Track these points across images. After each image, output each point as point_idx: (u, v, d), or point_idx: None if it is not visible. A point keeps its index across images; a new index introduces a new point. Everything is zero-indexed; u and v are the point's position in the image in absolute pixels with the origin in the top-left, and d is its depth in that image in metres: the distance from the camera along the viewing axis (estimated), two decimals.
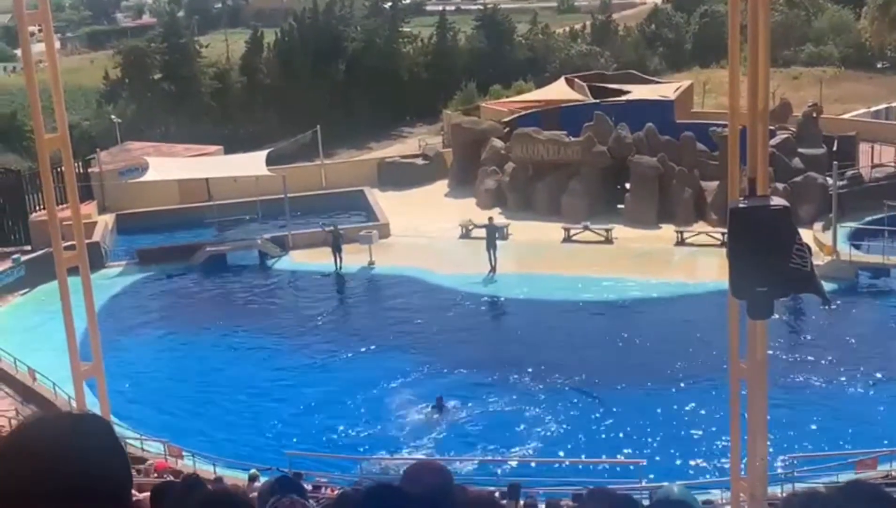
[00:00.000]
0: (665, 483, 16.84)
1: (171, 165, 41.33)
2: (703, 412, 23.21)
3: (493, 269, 34.10)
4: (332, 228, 36.18)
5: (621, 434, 23.07)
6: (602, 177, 39.13)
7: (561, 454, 22.19)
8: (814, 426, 22.60)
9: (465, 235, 37.30)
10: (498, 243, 34.69)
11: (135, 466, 18.17)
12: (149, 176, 39.29)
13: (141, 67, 69.52)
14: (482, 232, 36.04)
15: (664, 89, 50.04)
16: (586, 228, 36.66)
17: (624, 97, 46.76)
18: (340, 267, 35.68)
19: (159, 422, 24.36)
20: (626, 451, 22.16)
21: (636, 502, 4.41)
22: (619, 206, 38.74)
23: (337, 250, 35.46)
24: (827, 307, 27.74)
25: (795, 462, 19.00)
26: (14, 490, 2.01)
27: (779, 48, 66.24)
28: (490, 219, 35.38)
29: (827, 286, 22.59)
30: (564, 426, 23.69)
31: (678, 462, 21.73)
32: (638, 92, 48.15)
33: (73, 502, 2.02)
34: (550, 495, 17.40)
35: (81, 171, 40.33)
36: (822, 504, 2.14)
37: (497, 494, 16.34)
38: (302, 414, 25.36)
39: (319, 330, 31.14)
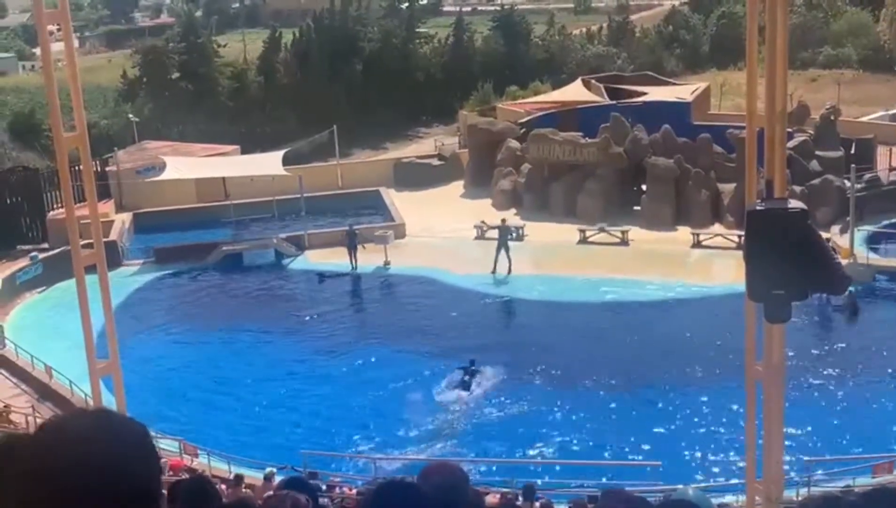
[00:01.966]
0: (680, 486, 16.82)
1: (188, 165, 41.47)
2: (719, 414, 23.14)
3: (495, 269, 34.09)
4: (347, 227, 36.27)
5: (636, 436, 23.01)
6: (618, 178, 39.06)
7: (575, 451, 22.18)
8: (830, 430, 22.49)
9: (481, 235, 37.27)
10: (513, 243, 34.68)
11: None
12: (166, 175, 39.44)
13: (158, 67, 69.71)
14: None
15: (681, 91, 49.95)
16: (602, 229, 36.61)
17: (640, 99, 46.68)
18: (356, 267, 35.71)
19: (175, 420, 24.44)
20: (644, 446, 22.12)
21: (651, 504, 4.40)
22: (635, 207, 38.67)
23: (353, 250, 35.51)
24: (851, 311, 27.81)
25: (812, 465, 18.91)
26: (47, 484, 2.01)
27: (797, 50, 65.97)
28: (503, 220, 35.36)
29: None
30: (580, 428, 23.66)
31: (694, 465, 21.68)
32: (655, 93, 48.07)
33: (104, 500, 2.02)
34: (566, 496, 17.39)
35: (99, 169, 40.54)
36: None
37: (511, 495, 16.36)
38: (317, 413, 25.42)
39: (335, 329, 31.19)
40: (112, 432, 2.12)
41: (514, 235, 35.90)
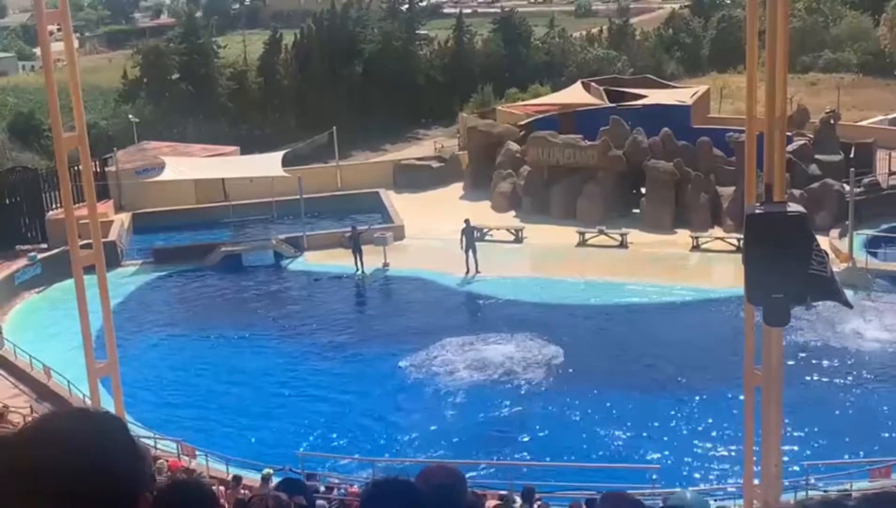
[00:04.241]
0: (678, 489, 16.81)
1: (187, 165, 41.46)
2: (717, 417, 23.12)
3: (476, 270, 34.21)
4: (351, 228, 36.15)
5: (634, 439, 22.99)
6: (618, 181, 39.06)
7: (573, 454, 22.17)
8: (828, 434, 22.48)
9: (480, 237, 37.20)
10: (512, 246, 34.64)
11: None
12: (165, 176, 39.44)
13: (159, 67, 69.71)
14: (498, 235, 36.13)
15: (681, 94, 49.92)
16: (601, 232, 36.60)
17: (640, 102, 46.66)
18: (362, 270, 35.56)
19: (173, 421, 24.43)
20: (642, 449, 22.11)
21: (645, 506, 4.41)
22: (635, 210, 38.67)
23: (357, 251, 35.40)
24: (849, 309, 27.63)
25: (809, 469, 18.91)
26: (28, 484, 2.01)
27: (797, 54, 66.00)
28: (467, 221, 35.13)
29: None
30: (578, 430, 23.64)
31: (692, 468, 21.67)
32: (654, 96, 48.05)
33: (86, 498, 2.02)
34: (564, 500, 17.37)
35: (98, 170, 40.49)
36: None
37: (510, 497, 16.35)
38: (316, 414, 25.40)
39: (334, 331, 31.14)
40: (92, 430, 2.12)
41: (478, 234, 35.87)
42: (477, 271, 34.22)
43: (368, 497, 2.96)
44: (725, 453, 21.74)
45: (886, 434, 22.33)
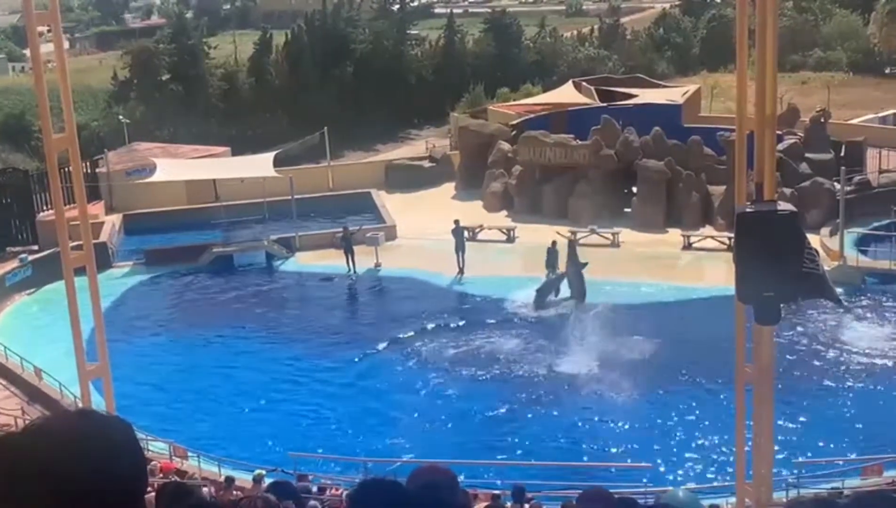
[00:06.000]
0: (670, 488, 16.85)
1: (178, 166, 41.39)
2: (710, 416, 23.16)
3: (461, 271, 34.23)
4: (342, 229, 36.10)
5: (627, 438, 23.02)
6: (609, 180, 39.08)
7: (565, 453, 22.17)
8: (819, 432, 22.53)
9: (472, 237, 37.19)
10: (504, 245, 34.65)
11: None
12: (156, 177, 39.35)
13: (149, 68, 69.56)
14: (490, 235, 36.10)
15: (672, 93, 50.03)
16: (593, 231, 36.61)
17: (631, 101, 46.74)
18: (354, 270, 35.51)
19: (164, 423, 24.37)
20: (635, 447, 22.13)
21: (637, 504, 4.42)
22: (626, 209, 38.71)
23: (349, 252, 35.34)
24: (841, 310, 27.80)
25: (801, 467, 18.94)
26: (32, 485, 2.00)
27: (787, 53, 66.16)
28: (456, 222, 35.18)
29: None
30: (571, 429, 23.66)
31: (685, 467, 21.70)
32: (645, 96, 48.15)
33: (89, 500, 2.02)
34: (555, 499, 17.38)
35: (89, 171, 40.43)
36: None
37: (501, 497, 16.35)
38: (309, 415, 25.38)
39: (325, 331, 31.11)
40: (96, 432, 2.11)
41: (469, 234, 35.94)
42: (461, 273, 34.30)
43: (354, 497, 2.96)
44: (718, 451, 21.77)
45: (878, 432, 22.36)
